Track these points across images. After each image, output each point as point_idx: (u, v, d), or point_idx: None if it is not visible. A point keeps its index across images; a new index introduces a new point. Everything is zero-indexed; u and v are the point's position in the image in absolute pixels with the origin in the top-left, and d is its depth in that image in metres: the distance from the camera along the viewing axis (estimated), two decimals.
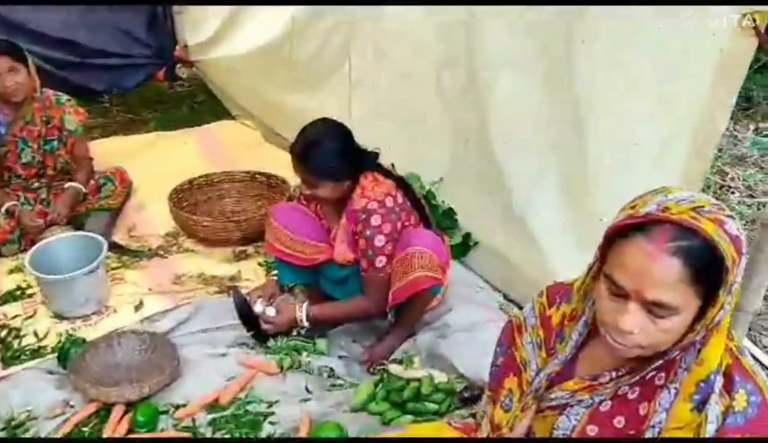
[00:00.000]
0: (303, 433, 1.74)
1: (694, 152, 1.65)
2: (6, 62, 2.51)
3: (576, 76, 1.89)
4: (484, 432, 1.27)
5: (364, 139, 2.03)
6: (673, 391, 1.02)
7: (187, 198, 2.82)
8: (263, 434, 1.77)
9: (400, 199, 1.97)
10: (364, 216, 1.90)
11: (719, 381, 1.00)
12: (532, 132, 2.11)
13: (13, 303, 2.33)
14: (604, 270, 1.00)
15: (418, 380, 1.85)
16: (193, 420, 1.82)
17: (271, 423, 1.81)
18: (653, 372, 1.04)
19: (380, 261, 1.91)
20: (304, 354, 2.04)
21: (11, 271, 2.50)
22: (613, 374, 1.08)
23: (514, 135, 2.18)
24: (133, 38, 4.57)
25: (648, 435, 1.04)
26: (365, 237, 1.91)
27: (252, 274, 2.47)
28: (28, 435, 1.79)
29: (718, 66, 1.53)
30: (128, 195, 2.96)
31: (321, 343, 2.09)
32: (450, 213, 2.56)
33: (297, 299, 2.08)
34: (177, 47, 4.70)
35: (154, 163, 3.23)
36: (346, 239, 1.97)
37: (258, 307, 2.05)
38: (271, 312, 2.03)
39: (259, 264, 2.54)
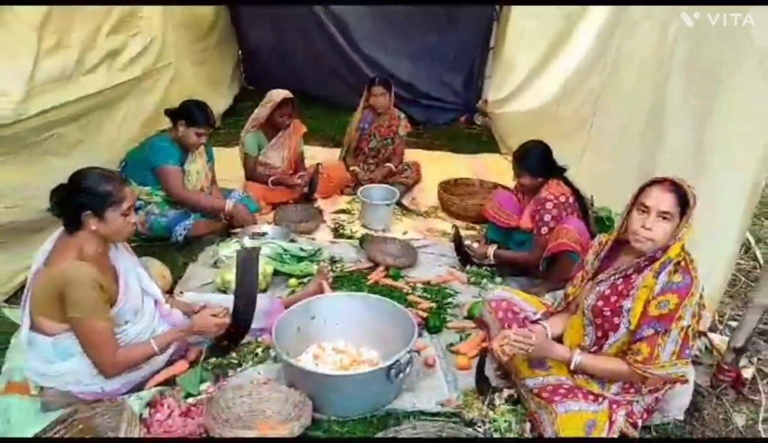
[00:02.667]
0: (465, 307, 3.08)
1: None
2: (380, 89, 4.45)
3: None
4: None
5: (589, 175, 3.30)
6: (649, 268, 2.15)
7: (452, 189, 4.42)
8: (446, 301, 3.18)
9: (571, 200, 3.19)
10: (543, 201, 3.19)
11: (671, 267, 2.11)
12: None
13: (344, 215, 4.22)
14: (637, 203, 2.16)
15: None
16: (415, 285, 3.32)
17: (453, 299, 3.21)
18: (645, 263, 2.17)
19: (543, 230, 3.16)
20: (485, 279, 3.39)
21: (347, 202, 4.42)
22: (626, 264, 2.23)
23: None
24: (452, 90, 6.50)
25: (632, 292, 2.17)
26: (540, 215, 3.18)
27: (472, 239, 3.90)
28: (338, 268, 3.50)
29: None
30: (418, 180, 4.72)
31: (497, 279, 3.41)
32: None
33: (490, 246, 3.43)
34: (480, 101, 6.49)
35: (438, 167, 4.94)
36: (530, 214, 3.28)
37: (468, 242, 3.47)
38: (474, 245, 3.44)
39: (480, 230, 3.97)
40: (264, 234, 3.67)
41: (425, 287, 3.31)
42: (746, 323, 2.55)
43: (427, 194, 4.56)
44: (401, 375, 2.27)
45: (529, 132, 3.60)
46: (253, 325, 2.59)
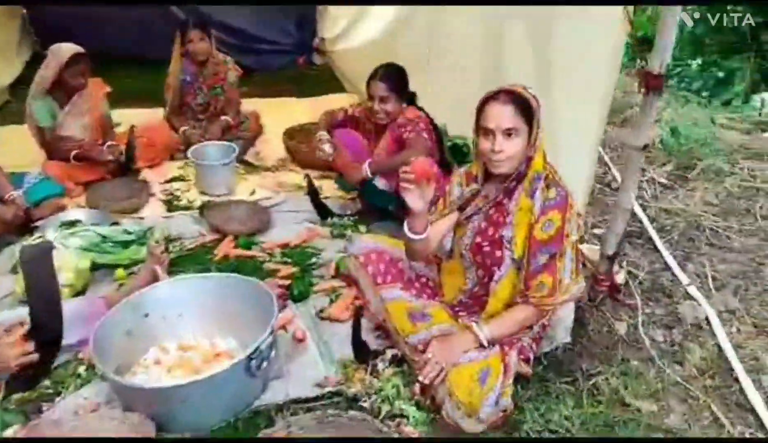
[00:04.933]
0: (332, 265, 2.73)
1: None
2: (198, 34, 3.80)
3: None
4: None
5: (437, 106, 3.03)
6: (519, 189, 1.90)
7: (296, 135, 3.96)
8: (310, 262, 2.80)
9: (429, 127, 2.90)
10: (405, 124, 2.85)
11: (542, 183, 1.88)
12: None
13: (177, 183, 3.61)
14: (480, 127, 1.90)
15: None
16: (271, 252, 2.90)
17: (318, 258, 2.84)
18: (513, 184, 1.92)
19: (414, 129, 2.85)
20: (350, 230, 3.05)
21: (179, 167, 3.80)
22: (495, 191, 1.97)
23: None
24: (284, 31, 5.94)
25: (508, 218, 1.92)
26: (411, 133, 2.83)
27: (328, 188, 3.53)
28: (177, 247, 2.95)
29: None
30: (259, 131, 4.20)
31: (362, 228, 3.08)
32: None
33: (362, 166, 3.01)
34: (315, 39, 6.00)
35: (280, 115, 4.44)
36: (386, 148, 2.95)
37: (327, 147, 3.05)
38: (330, 149, 3.05)
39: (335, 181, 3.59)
40: (76, 222, 3.00)
41: (284, 251, 2.90)
42: (616, 228, 2.47)
43: (272, 146, 4.07)
44: (264, 363, 1.87)
45: (372, 66, 3.29)
46: (68, 339, 2.04)
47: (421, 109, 2.98)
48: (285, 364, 2.12)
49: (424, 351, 1.95)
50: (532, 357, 2.05)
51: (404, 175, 1.84)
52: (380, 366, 2.07)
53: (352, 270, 2.25)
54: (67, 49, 3.30)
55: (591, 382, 2.10)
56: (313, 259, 2.83)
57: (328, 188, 3.42)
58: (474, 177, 2.06)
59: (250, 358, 1.82)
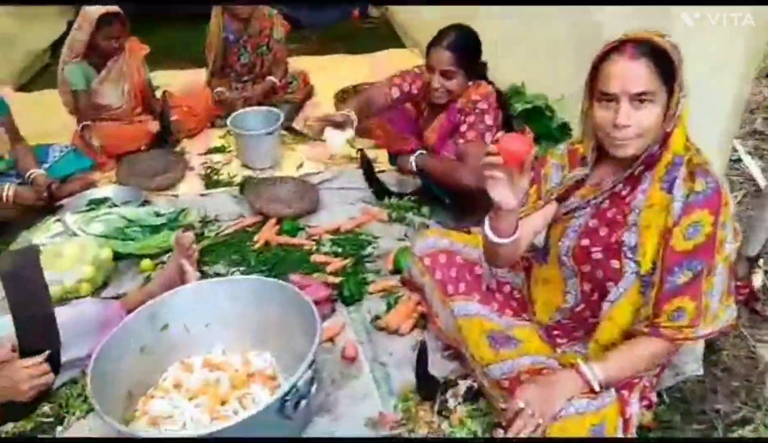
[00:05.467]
0: (390, 258, 2.27)
1: None
2: None
3: None
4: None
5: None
6: (648, 177, 1.38)
7: (349, 98, 3.46)
8: (365, 253, 2.35)
9: (494, 104, 2.34)
10: (472, 107, 2.31)
11: (683, 170, 1.34)
12: None
13: (217, 154, 3.21)
14: (596, 92, 1.37)
15: None
16: (320, 238, 2.47)
17: (373, 248, 2.39)
18: (640, 169, 1.39)
19: (471, 135, 2.30)
20: (410, 213, 2.57)
21: (220, 136, 3.39)
22: (612, 178, 1.45)
23: None
24: None
25: (630, 217, 1.41)
26: (471, 120, 2.31)
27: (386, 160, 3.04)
28: (213, 229, 2.57)
29: None
30: (309, 94, 3.72)
31: (425, 209, 2.59)
32: (564, 126, 2.87)
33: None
34: None
35: (332, 74, 3.94)
36: (438, 131, 2.42)
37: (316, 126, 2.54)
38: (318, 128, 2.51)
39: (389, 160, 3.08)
40: (105, 200, 2.66)
41: (334, 238, 2.46)
42: (762, 223, 1.89)
43: (322, 110, 3.58)
44: (303, 402, 1.45)
45: (436, 17, 2.72)
46: (75, 352, 1.69)
47: (491, 83, 2.42)
48: (332, 391, 1.71)
49: (509, 389, 1.48)
50: (654, 398, 1.55)
51: (488, 158, 1.33)
52: (451, 402, 1.62)
53: (416, 274, 1.79)
54: (96, 9, 2.91)
55: (734, 431, 1.58)
56: (368, 249, 2.38)
57: (386, 160, 2.93)
58: (581, 158, 1.53)
59: (283, 400, 1.40)
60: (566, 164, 1.57)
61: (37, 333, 1.49)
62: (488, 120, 2.31)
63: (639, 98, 1.31)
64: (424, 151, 2.45)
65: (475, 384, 1.64)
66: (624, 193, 1.44)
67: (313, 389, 1.48)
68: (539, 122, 2.86)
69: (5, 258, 1.58)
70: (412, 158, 2.42)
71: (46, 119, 3.23)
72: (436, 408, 1.61)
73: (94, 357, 1.53)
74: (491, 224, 1.46)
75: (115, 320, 1.78)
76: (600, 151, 1.48)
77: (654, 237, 1.37)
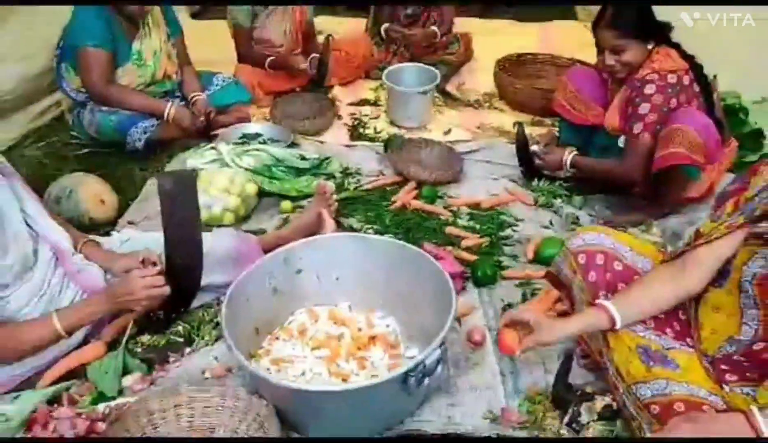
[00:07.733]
0: (532, 246, 2.11)
1: None
2: None
3: None
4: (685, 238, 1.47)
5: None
6: None
7: (512, 69, 3.27)
8: (503, 234, 2.21)
9: (686, 81, 2.06)
10: (639, 84, 2.08)
11: None
12: None
13: (366, 107, 3.17)
14: None
15: None
16: (458, 209, 2.36)
17: (514, 230, 2.24)
18: None
19: (638, 127, 2.07)
20: (559, 199, 2.38)
21: (372, 89, 3.35)
22: None
23: None
24: None
25: None
26: (634, 104, 2.09)
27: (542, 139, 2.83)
28: (352, 182, 2.54)
29: None
30: (468, 58, 3.57)
31: (577, 198, 2.38)
32: (757, 134, 2.49)
33: (567, 149, 2.36)
34: None
35: (496, 40, 3.74)
36: (619, 106, 2.18)
37: (534, 147, 2.42)
38: (542, 149, 2.39)
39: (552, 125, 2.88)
40: (256, 136, 2.73)
41: (472, 211, 2.34)
42: None
43: (479, 77, 3.43)
44: (426, 380, 1.38)
45: None
46: (212, 278, 1.74)
47: (676, 46, 2.12)
48: (454, 374, 1.62)
49: (659, 416, 1.30)
50: None
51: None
52: (585, 417, 1.46)
53: (565, 271, 1.62)
54: None
55: None
56: (507, 231, 2.23)
57: (542, 139, 2.72)
58: None
59: (407, 374, 1.33)
60: None
61: (185, 254, 1.53)
62: (658, 100, 2.04)
63: None
64: (576, 150, 2.31)
65: (614, 404, 1.47)
66: None
67: (439, 369, 1.40)
68: (732, 123, 2.50)
69: (166, 177, 1.64)
70: (566, 157, 2.28)
71: (214, 48, 3.36)
72: (566, 419, 1.46)
73: (230, 291, 1.55)
74: None
75: (252, 255, 1.82)
76: None
77: None
